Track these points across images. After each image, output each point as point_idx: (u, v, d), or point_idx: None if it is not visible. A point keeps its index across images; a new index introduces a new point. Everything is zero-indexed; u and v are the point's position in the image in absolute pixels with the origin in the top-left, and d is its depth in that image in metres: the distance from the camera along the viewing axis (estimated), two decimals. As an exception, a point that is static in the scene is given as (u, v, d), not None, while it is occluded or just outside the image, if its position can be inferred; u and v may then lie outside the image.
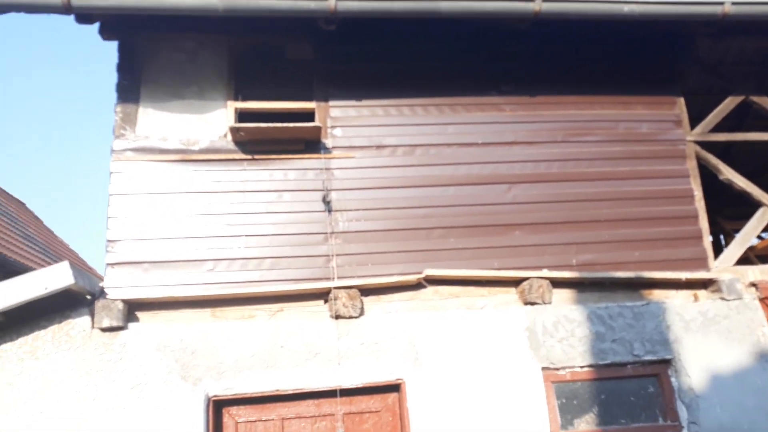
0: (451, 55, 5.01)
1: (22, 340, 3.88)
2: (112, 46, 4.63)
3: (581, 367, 4.32)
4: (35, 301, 3.79)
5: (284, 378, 4.01)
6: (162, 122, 4.51)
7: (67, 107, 37.63)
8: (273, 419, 4.06)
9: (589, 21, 4.60)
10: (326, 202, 4.46)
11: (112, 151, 4.39)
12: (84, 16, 4.32)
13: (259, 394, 4.00)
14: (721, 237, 9.07)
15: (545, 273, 4.46)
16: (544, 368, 4.27)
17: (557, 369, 4.30)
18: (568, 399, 4.28)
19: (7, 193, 12.38)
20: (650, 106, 5.13)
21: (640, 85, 5.16)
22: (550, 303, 4.42)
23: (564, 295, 4.51)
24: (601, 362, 4.32)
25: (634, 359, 4.37)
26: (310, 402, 4.11)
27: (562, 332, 4.37)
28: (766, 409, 4.32)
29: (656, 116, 5.11)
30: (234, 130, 4.37)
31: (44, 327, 3.92)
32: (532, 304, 4.40)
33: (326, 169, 4.56)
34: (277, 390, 4.00)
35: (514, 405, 4.12)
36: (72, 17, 4.21)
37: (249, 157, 4.50)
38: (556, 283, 4.49)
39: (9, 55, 34.38)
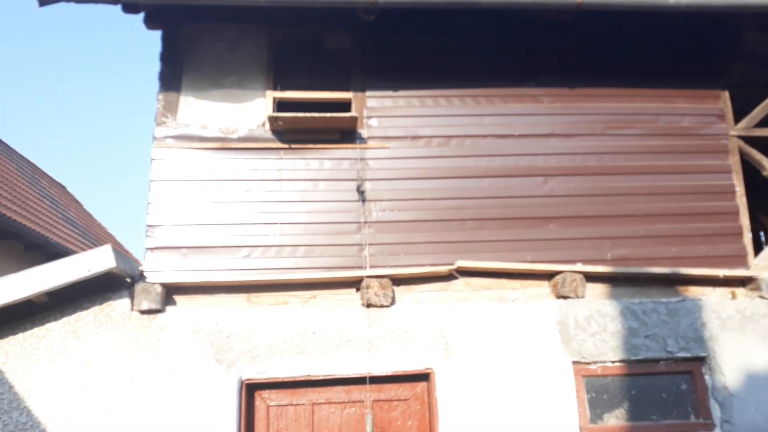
0: (489, 46, 4.98)
1: (65, 320, 4.02)
2: (157, 35, 4.71)
3: (613, 362, 4.29)
4: (78, 283, 3.92)
5: (315, 364, 4.08)
6: (202, 111, 4.60)
7: (110, 94, 38.45)
8: (303, 404, 4.14)
9: (633, 12, 4.52)
10: (360, 192, 4.50)
11: (154, 138, 4.50)
12: (130, 6, 4.43)
13: (291, 379, 4.08)
14: (761, 234, 8.84)
15: (579, 267, 4.43)
16: (575, 362, 4.25)
17: (588, 363, 4.28)
18: (598, 393, 4.26)
19: (49, 177, 12.76)
20: (693, 100, 5.02)
21: (682, 78, 5.05)
22: (583, 297, 4.39)
23: (597, 289, 4.47)
24: (633, 358, 4.28)
25: (668, 356, 4.32)
26: (340, 388, 4.18)
27: (595, 327, 4.34)
28: (804, 412, 4.23)
29: (699, 110, 5.00)
30: (272, 120, 4.43)
31: (86, 308, 4.06)
32: (565, 297, 4.38)
33: (361, 159, 4.59)
34: (308, 375, 4.08)
35: (543, 398, 4.12)
36: (119, 7, 4.32)
37: (286, 146, 4.56)
38: (590, 278, 4.45)
39: (53, 41, 35.25)
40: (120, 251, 4.09)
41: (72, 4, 4.13)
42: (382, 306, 4.22)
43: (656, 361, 4.33)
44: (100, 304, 4.07)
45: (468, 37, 4.97)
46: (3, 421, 3.80)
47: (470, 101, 4.84)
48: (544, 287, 4.45)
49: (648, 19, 4.92)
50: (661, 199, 4.73)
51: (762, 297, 4.51)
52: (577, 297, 4.37)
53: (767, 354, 4.36)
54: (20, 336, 3.97)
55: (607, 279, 4.49)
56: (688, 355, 4.32)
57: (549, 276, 4.45)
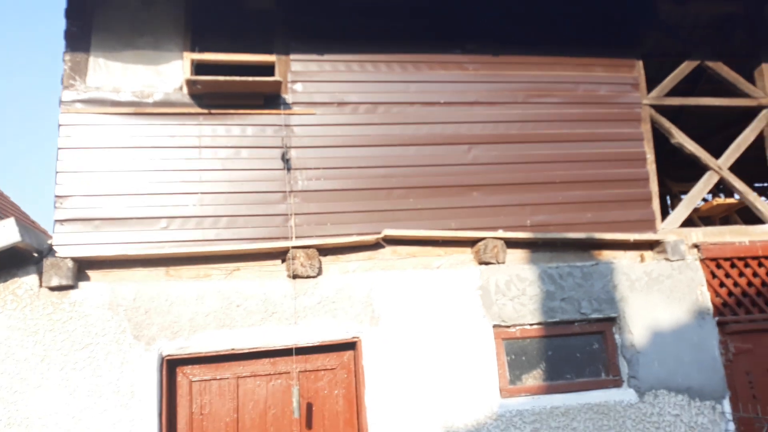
0: (416, 11, 4.91)
1: (-34, 298, 3.75)
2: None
3: (531, 324, 4.48)
4: (-21, 259, 3.65)
5: (240, 337, 4.02)
6: (114, 73, 4.31)
7: (13, 53, 35.36)
8: (228, 378, 4.08)
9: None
10: (285, 160, 4.39)
11: (61, 102, 4.18)
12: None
13: (214, 353, 4.01)
14: (668, 199, 9.38)
15: (500, 234, 4.55)
16: (495, 326, 4.40)
17: (508, 326, 4.44)
18: (517, 355, 4.45)
19: (-57, 134, 11.70)
20: (609, 69, 5.17)
21: (600, 47, 5.18)
22: (503, 263, 4.52)
23: (517, 255, 4.62)
24: (550, 320, 4.48)
25: (582, 317, 4.55)
26: (265, 360, 4.15)
27: (514, 291, 4.49)
28: (701, 364, 4.59)
29: (615, 79, 5.16)
30: (190, 83, 4.21)
31: (-10, 285, 3.79)
32: (487, 263, 4.50)
33: (286, 125, 4.47)
34: (233, 349, 4.02)
35: (466, 361, 4.26)
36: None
37: (206, 111, 4.36)
38: (511, 244, 4.59)
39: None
40: (25, 224, 3.82)
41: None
42: (308, 277, 4.19)
43: (571, 322, 4.55)
44: (5, 281, 3.81)
45: (395, 1, 4.87)
46: None
47: (397, 67, 4.78)
48: (467, 254, 4.55)
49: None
50: (577, 166, 4.90)
51: (667, 259, 4.79)
52: (498, 263, 4.49)
53: (670, 313, 4.67)
54: None
55: (526, 245, 4.64)
56: (600, 316, 4.57)
57: (472, 243, 4.55)
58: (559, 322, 4.53)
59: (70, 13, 4.34)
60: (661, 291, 4.73)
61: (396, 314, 4.28)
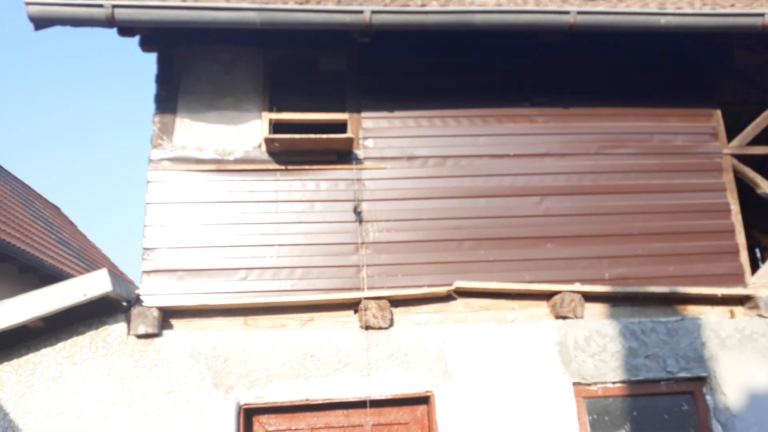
0: (483, 66, 5.02)
1: (60, 345, 3.98)
2: (152, 57, 4.74)
3: (613, 382, 4.27)
4: (74, 307, 3.88)
5: (314, 388, 4.04)
6: (198, 132, 4.60)
7: (105, 116, 38.45)
8: (302, 428, 4.09)
9: (625, 33, 4.57)
10: (357, 213, 4.49)
11: (150, 160, 4.49)
12: (126, 30, 4.45)
13: (289, 404, 4.03)
14: (757, 251, 8.87)
15: (577, 287, 4.42)
16: (575, 383, 4.23)
17: (589, 384, 4.25)
18: (599, 415, 4.23)
19: (44, 198, 12.70)
20: (686, 119, 5.06)
21: (675, 97, 5.10)
22: (582, 317, 4.38)
23: (596, 309, 4.46)
24: (633, 378, 4.26)
25: (668, 376, 4.30)
26: (339, 412, 4.13)
27: (594, 347, 4.32)
28: (805, 431, 4.21)
29: (692, 129, 5.04)
30: (268, 141, 4.43)
31: (82, 333, 4.01)
32: (564, 318, 4.37)
33: (357, 179, 4.60)
34: (307, 399, 4.03)
35: (544, 420, 4.09)
36: (115, 30, 4.34)
37: (282, 167, 4.56)
38: (589, 297, 4.45)
39: (48, 63, 35.32)
40: (116, 274, 4.05)
41: (67, 28, 4.13)
42: (380, 328, 4.20)
43: (657, 381, 4.30)
44: (96, 328, 4.03)
45: (462, 58, 5.01)
46: (-4, 449, 3.73)
47: (465, 121, 4.87)
48: (542, 307, 4.44)
49: (640, 39, 4.98)
50: (657, 218, 4.75)
51: (760, 315, 4.50)
52: (576, 317, 4.36)
53: (767, 374, 4.34)
54: (15, 362, 3.91)
55: (605, 298, 4.48)
56: (688, 375, 4.31)
57: (547, 296, 4.44)
58: (644, 381, 4.30)
59: (159, 79, 4.71)
60: (755, 350, 4.43)
61: (470, 369, 4.19)
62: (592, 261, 4.59)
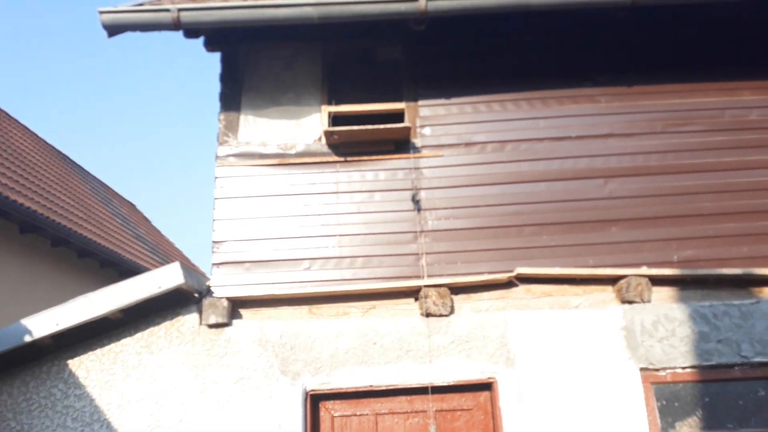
0: (542, 48, 4.92)
1: (139, 335, 4.23)
2: (216, 57, 4.92)
3: (683, 368, 4.14)
4: (150, 299, 4.11)
5: (377, 374, 4.13)
6: (261, 128, 4.75)
7: (171, 115, 40.01)
8: (367, 414, 4.19)
9: (691, 5, 4.38)
10: (415, 201, 4.53)
11: (217, 157, 4.67)
12: (191, 32, 4.66)
13: (354, 390, 4.14)
14: None
15: (644, 270, 4.30)
16: (642, 369, 4.13)
17: (657, 370, 4.14)
18: (668, 401, 4.12)
19: (120, 196, 13.39)
20: (760, 92, 4.80)
21: (748, 69, 4.83)
22: (649, 301, 4.26)
23: (664, 293, 4.33)
24: (705, 363, 4.12)
25: (742, 361, 4.13)
26: (402, 398, 4.20)
27: (662, 332, 4.20)
28: None
29: (767, 102, 4.77)
30: (328, 134, 4.52)
31: (158, 323, 4.25)
32: (630, 302, 4.26)
33: (415, 168, 4.62)
34: (371, 386, 4.13)
35: (610, 406, 4.02)
36: (180, 33, 4.56)
37: (342, 159, 4.64)
38: (656, 281, 4.32)
39: (121, 66, 37.00)
40: (188, 267, 4.26)
41: (137, 33, 4.35)
42: (441, 315, 4.23)
43: (730, 366, 4.14)
44: (171, 319, 4.25)
45: (520, 40, 4.93)
46: (85, 432, 4.02)
47: (524, 104, 4.80)
48: (608, 292, 4.35)
49: (707, 11, 4.76)
50: (729, 197, 4.54)
51: None
52: (643, 301, 4.24)
53: None
54: (98, 351, 4.20)
55: (674, 282, 4.34)
56: (764, 359, 4.12)
57: (613, 281, 4.35)
58: (716, 366, 4.14)
59: (224, 78, 4.88)
60: (840, 332, 4.18)
61: (533, 355, 4.16)
62: (659, 243, 4.44)
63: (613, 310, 4.25)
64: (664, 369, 4.13)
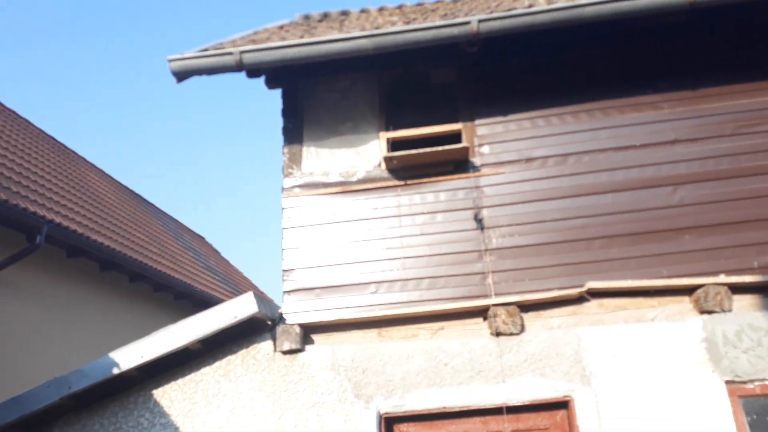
0: (598, 58, 4.87)
1: (217, 364, 4.38)
2: (277, 94, 5.11)
3: (774, 380, 3.93)
4: (226, 329, 4.26)
5: (450, 395, 4.11)
6: (323, 158, 4.89)
7: (241, 152, 41.50)
8: (442, 436, 4.16)
9: (749, 4, 4.24)
10: (478, 220, 4.53)
11: (283, 189, 4.83)
12: (253, 72, 4.89)
13: (427, 412, 4.13)
14: None
15: (722, 278, 4.14)
16: (727, 382, 3.94)
17: (744, 382, 3.95)
18: (759, 415, 3.91)
19: (190, 230, 13.92)
20: (835, 85, 4.57)
21: (820, 63, 4.62)
22: (730, 311, 4.09)
23: (746, 301, 4.14)
24: (797, 374, 3.90)
25: (838, 370, 3.89)
26: (476, 419, 4.16)
27: (747, 342, 4.01)
28: None
29: (844, 95, 4.54)
30: (387, 159, 4.61)
31: (234, 352, 4.39)
32: (710, 312, 4.10)
33: (476, 187, 4.63)
34: (444, 407, 4.11)
35: (695, 422, 3.85)
36: (243, 74, 4.77)
37: (402, 183, 4.71)
38: (736, 289, 4.14)
39: (186, 107, 38.77)
40: (261, 296, 4.39)
41: (203, 77, 4.58)
42: (511, 334, 4.19)
43: (825, 376, 3.90)
44: (247, 347, 4.39)
45: (575, 52, 4.90)
46: (172, 459, 4.18)
47: (584, 116, 4.74)
48: (684, 303, 4.20)
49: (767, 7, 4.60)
50: (810, 197, 4.32)
51: None
52: (724, 311, 4.07)
53: None
54: (180, 381, 4.37)
55: (755, 289, 4.14)
56: None
57: (689, 291, 4.19)
58: (810, 377, 3.91)
59: (285, 113, 5.06)
60: None
61: (609, 371, 4.05)
62: (736, 250, 4.26)
63: (692, 322, 4.10)
64: (752, 381, 3.93)
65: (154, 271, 8.29)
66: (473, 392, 4.10)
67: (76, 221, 7.34)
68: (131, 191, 12.08)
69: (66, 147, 10.70)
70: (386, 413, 4.14)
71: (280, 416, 4.17)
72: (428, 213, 4.63)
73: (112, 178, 11.65)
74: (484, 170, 4.69)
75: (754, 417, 3.90)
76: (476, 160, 4.71)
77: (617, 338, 4.11)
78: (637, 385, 3.98)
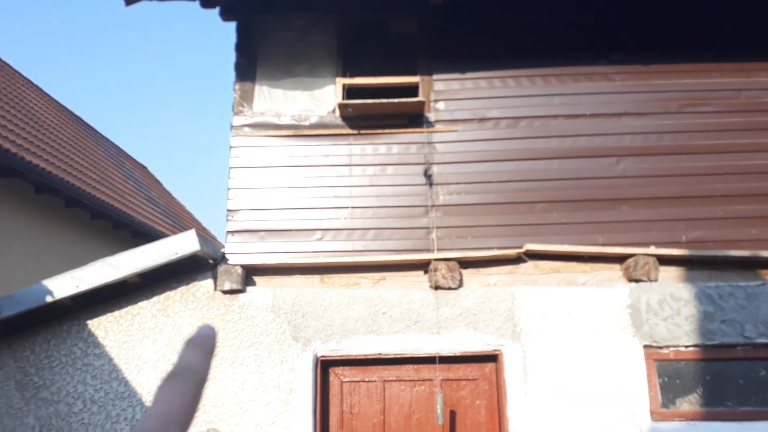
0: (558, 24, 4.89)
1: (155, 299, 4.35)
2: (231, 28, 4.92)
3: (686, 346, 4.23)
4: (166, 264, 4.21)
5: (386, 343, 4.24)
6: (276, 99, 4.78)
7: (187, 84, 39.81)
8: (375, 381, 4.31)
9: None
10: (427, 176, 4.57)
11: (232, 127, 4.72)
12: (208, 1, 4.66)
13: (363, 357, 4.26)
14: None
15: (652, 250, 4.36)
16: (646, 346, 4.22)
17: (660, 347, 4.23)
18: (670, 378, 4.22)
19: (133, 159, 13.47)
20: (777, 73, 4.77)
21: (765, 50, 4.80)
22: (656, 280, 4.33)
23: (671, 273, 4.39)
24: (708, 343, 4.20)
25: (746, 341, 4.21)
26: (409, 367, 4.33)
27: (668, 310, 4.28)
28: None
29: (784, 84, 4.75)
30: (342, 107, 4.55)
31: (174, 288, 4.36)
32: (637, 281, 4.33)
33: (428, 143, 4.66)
34: (379, 353, 4.24)
35: (613, 381, 4.13)
36: (197, 3, 4.54)
37: (355, 131, 4.68)
38: (664, 261, 4.38)
39: (139, 36, 36.73)
40: (203, 235, 4.35)
41: (154, 3, 4.36)
42: (449, 288, 4.32)
43: (733, 346, 4.23)
44: (187, 284, 4.37)
45: (535, 16, 4.90)
46: (104, 390, 4.18)
47: (539, 81, 4.79)
48: (615, 270, 4.42)
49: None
50: (740, 179, 4.56)
51: None
52: (650, 280, 4.31)
53: None
54: (117, 313, 4.33)
55: (681, 262, 4.40)
56: (767, 341, 4.20)
57: (621, 259, 4.41)
58: (719, 346, 4.23)
59: (239, 47, 4.89)
60: (843, 316, 4.24)
61: (539, 330, 4.26)
62: (668, 223, 4.49)
63: (620, 288, 4.33)
64: (668, 347, 4.22)
65: (91, 198, 8.02)
66: (409, 341, 4.24)
67: (10, 140, 6.97)
68: (71, 113, 11.50)
69: (1, 60, 10.04)
70: (323, 356, 4.24)
71: (217, 353, 4.21)
72: (379, 165, 4.64)
73: (52, 98, 11.05)
74: (437, 126, 4.71)
75: (666, 379, 4.20)
76: (431, 116, 4.72)
77: (549, 299, 4.30)
78: (564, 344, 4.21)
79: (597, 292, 4.32)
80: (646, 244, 4.41)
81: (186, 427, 0.32)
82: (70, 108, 11.56)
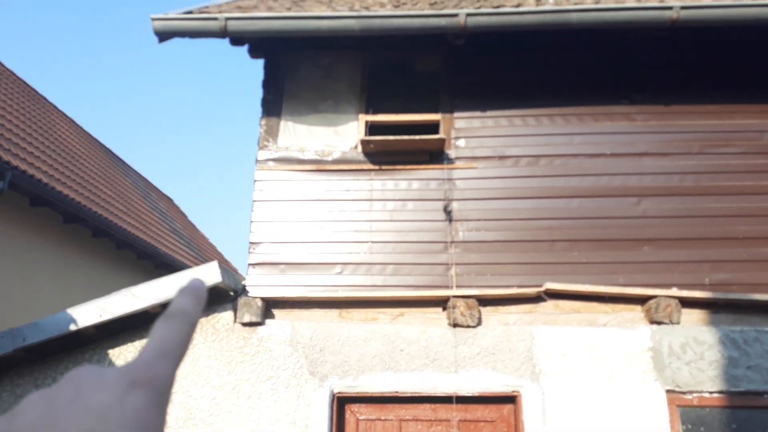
0: (579, 64, 4.95)
1: (176, 329, 4.37)
2: (260, 64, 5.06)
3: (710, 392, 4.12)
4: (188, 295, 4.26)
5: (403, 380, 4.21)
6: (300, 134, 4.88)
7: (215, 116, 40.81)
8: (391, 419, 4.27)
9: (731, 26, 4.36)
10: (447, 212, 4.60)
11: (257, 161, 4.81)
12: (237, 40, 4.82)
13: (379, 394, 4.22)
14: None
15: (674, 291, 4.30)
16: (668, 391, 4.13)
17: (683, 393, 4.13)
18: (694, 425, 4.10)
19: (158, 190, 13.73)
20: (801, 116, 4.74)
21: (790, 92, 4.78)
22: (678, 323, 4.25)
23: (694, 315, 4.32)
24: (733, 389, 4.10)
25: (773, 389, 4.10)
26: (426, 406, 4.28)
27: (691, 354, 4.19)
28: None
29: (808, 126, 4.72)
30: (364, 143, 4.63)
31: (194, 318, 4.39)
32: (659, 323, 4.26)
33: (448, 179, 4.69)
34: (396, 392, 4.21)
35: (634, 426, 4.03)
36: (227, 40, 4.70)
37: (377, 167, 4.74)
38: (686, 303, 4.31)
39: (167, 72, 37.86)
40: (225, 267, 4.40)
41: (185, 39, 4.51)
42: (468, 326, 4.29)
43: (760, 394, 4.11)
44: (207, 315, 4.40)
45: (558, 56, 4.96)
46: (122, 419, 4.19)
47: (560, 120, 4.83)
48: (636, 312, 4.35)
49: (747, 32, 4.72)
50: (764, 221, 4.50)
51: None
52: (672, 323, 4.24)
53: None
54: (138, 343, 4.37)
55: (704, 305, 4.32)
56: (795, 388, 4.08)
57: (642, 300, 4.35)
58: (745, 393, 4.11)
59: (266, 84, 5.02)
60: None
61: (558, 371, 4.19)
62: (691, 265, 4.43)
63: (641, 330, 4.26)
64: (691, 392, 4.12)
65: (118, 229, 8.18)
66: (426, 379, 4.20)
67: (42, 170, 7.18)
68: (101, 144, 11.82)
69: (37, 92, 10.41)
70: (339, 393, 4.22)
71: (235, 386, 4.21)
72: (399, 200, 4.68)
73: (83, 129, 11.38)
74: (458, 163, 4.75)
75: (689, 426, 4.09)
76: (451, 153, 4.76)
77: (569, 339, 4.25)
78: (583, 386, 4.13)
79: (618, 334, 4.25)
80: (668, 286, 4.35)
81: (179, 362, 0.38)
82: (99, 139, 11.88)
